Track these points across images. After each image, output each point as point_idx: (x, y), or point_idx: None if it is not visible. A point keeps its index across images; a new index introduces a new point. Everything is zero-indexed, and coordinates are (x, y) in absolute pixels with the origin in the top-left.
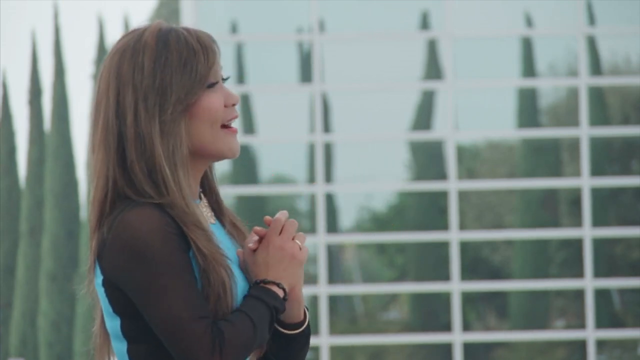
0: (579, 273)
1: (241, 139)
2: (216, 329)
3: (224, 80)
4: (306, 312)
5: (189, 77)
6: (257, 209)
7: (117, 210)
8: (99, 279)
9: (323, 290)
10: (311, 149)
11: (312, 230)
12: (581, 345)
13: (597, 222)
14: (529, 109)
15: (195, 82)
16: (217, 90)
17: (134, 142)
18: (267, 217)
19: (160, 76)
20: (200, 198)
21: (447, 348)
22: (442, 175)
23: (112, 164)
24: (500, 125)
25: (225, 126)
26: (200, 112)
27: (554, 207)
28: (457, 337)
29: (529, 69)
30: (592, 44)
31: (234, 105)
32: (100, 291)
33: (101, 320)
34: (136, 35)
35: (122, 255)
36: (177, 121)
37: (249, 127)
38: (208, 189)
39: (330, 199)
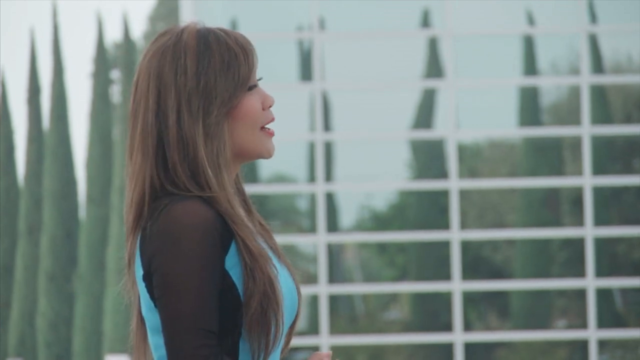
0: (580, 272)
1: None
2: (218, 355)
3: (258, 81)
4: None
5: (232, 80)
6: (257, 208)
7: (162, 205)
8: (139, 273)
9: (323, 289)
10: (311, 147)
11: (313, 229)
12: (583, 345)
13: (599, 221)
14: (530, 107)
15: (238, 85)
16: (255, 93)
17: (176, 144)
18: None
19: (204, 79)
20: None
21: (447, 348)
22: (443, 174)
23: (150, 166)
24: (501, 124)
25: (263, 128)
26: (242, 115)
27: (555, 206)
28: (458, 337)
29: (530, 67)
30: (594, 42)
31: (270, 107)
32: (141, 286)
33: (138, 317)
34: (174, 35)
35: (159, 239)
36: (221, 124)
37: None
38: (236, 189)
39: (330, 198)
